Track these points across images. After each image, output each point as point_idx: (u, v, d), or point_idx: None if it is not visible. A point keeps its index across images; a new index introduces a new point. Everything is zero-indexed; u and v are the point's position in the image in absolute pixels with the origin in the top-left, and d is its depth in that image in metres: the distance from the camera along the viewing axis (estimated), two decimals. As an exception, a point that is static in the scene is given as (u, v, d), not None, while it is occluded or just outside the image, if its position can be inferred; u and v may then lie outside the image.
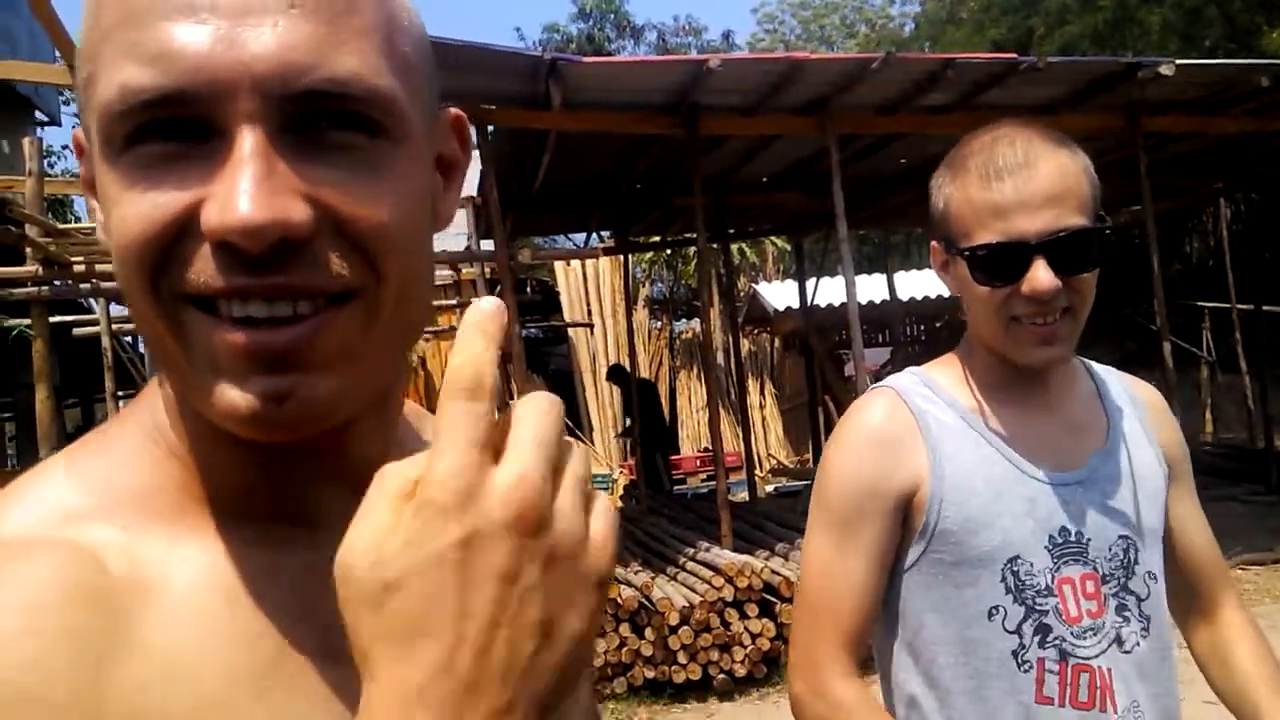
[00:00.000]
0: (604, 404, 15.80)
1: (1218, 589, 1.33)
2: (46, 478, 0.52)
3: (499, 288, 5.77)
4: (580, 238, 11.21)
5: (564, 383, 16.22)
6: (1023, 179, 1.11)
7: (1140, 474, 1.24)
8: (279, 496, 0.54)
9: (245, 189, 0.44)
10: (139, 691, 0.44)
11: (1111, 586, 1.18)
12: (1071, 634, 1.15)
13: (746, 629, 5.20)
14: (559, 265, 15.87)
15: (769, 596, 5.25)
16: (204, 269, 0.45)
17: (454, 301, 10.56)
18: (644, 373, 15.00)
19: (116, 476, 0.51)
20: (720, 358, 15.67)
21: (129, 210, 0.46)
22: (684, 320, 18.53)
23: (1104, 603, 1.17)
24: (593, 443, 15.47)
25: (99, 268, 6.12)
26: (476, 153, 7.03)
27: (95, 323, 7.97)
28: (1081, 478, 1.21)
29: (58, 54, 6.01)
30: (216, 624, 0.48)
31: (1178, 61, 6.14)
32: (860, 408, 1.26)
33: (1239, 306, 11.46)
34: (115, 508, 0.49)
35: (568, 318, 15.87)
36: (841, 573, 1.20)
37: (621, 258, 11.11)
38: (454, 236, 11.70)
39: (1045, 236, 1.11)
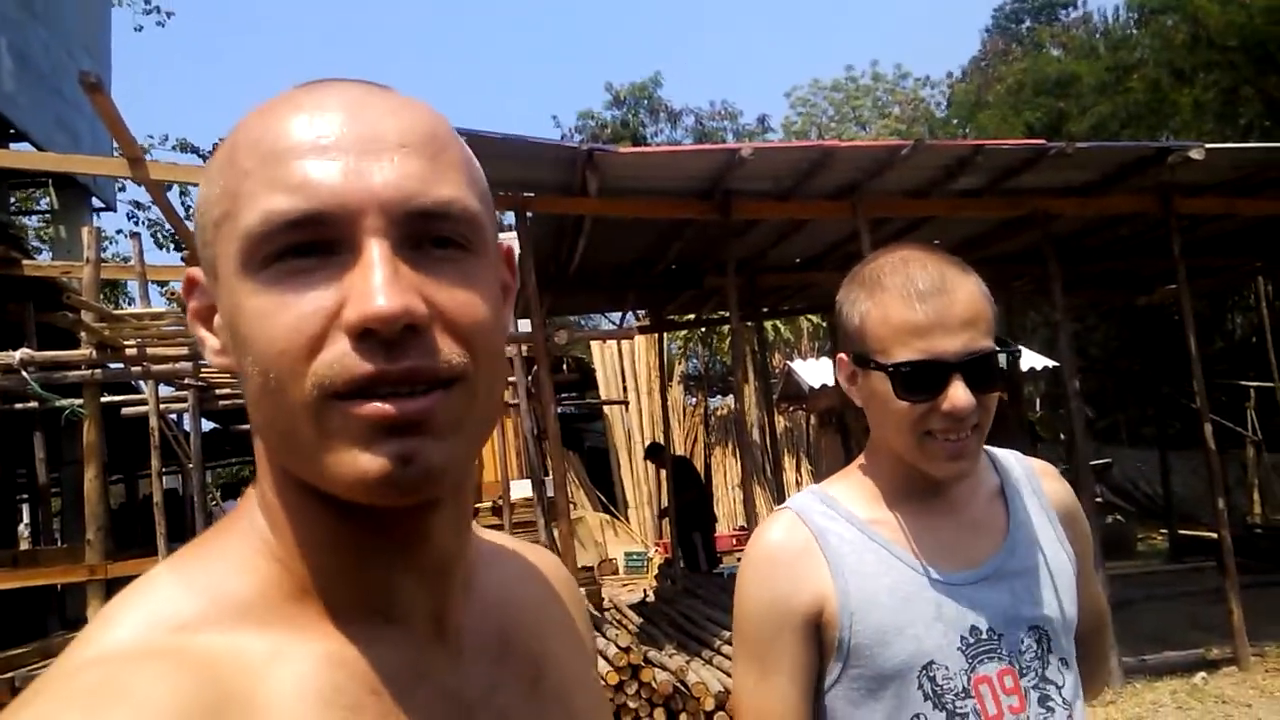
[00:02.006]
0: (639, 481, 15.77)
1: (1091, 678, 1.39)
2: (154, 586, 0.58)
3: (535, 366, 5.86)
4: (616, 316, 11.34)
5: (599, 460, 16.24)
6: (943, 303, 1.16)
7: (1046, 564, 1.26)
8: (371, 590, 0.60)
9: (378, 285, 0.53)
10: None
11: (1030, 679, 1.20)
12: None
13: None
14: (595, 343, 16.03)
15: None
16: (343, 359, 0.53)
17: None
18: (679, 449, 14.98)
19: (224, 583, 0.58)
20: (755, 435, 15.63)
21: (277, 319, 0.54)
22: (719, 397, 18.55)
23: (1025, 696, 1.19)
24: (628, 520, 15.41)
25: (150, 351, 6.32)
26: (514, 235, 7.21)
27: (144, 403, 8.16)
28: (985, 574, 1.23)
29: (115, 146, 6.29)
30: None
31: (1207, 145, 6.19)
32: (760, 532, 1.28)
33: (1283, 385, 11.29)
34: (223, 614, 0.56)
35: (603, 395, 15.96)
36: (767, 704, 1.22)
37: (656, 335, 11.22)
38: (492, 316, 11.89)
39: (963, 356, 1.15)
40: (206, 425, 11.53)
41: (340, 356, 0.53)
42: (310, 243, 0.54)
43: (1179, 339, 7.08)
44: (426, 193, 0.56)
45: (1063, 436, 11.70)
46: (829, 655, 1.20)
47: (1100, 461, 14.14)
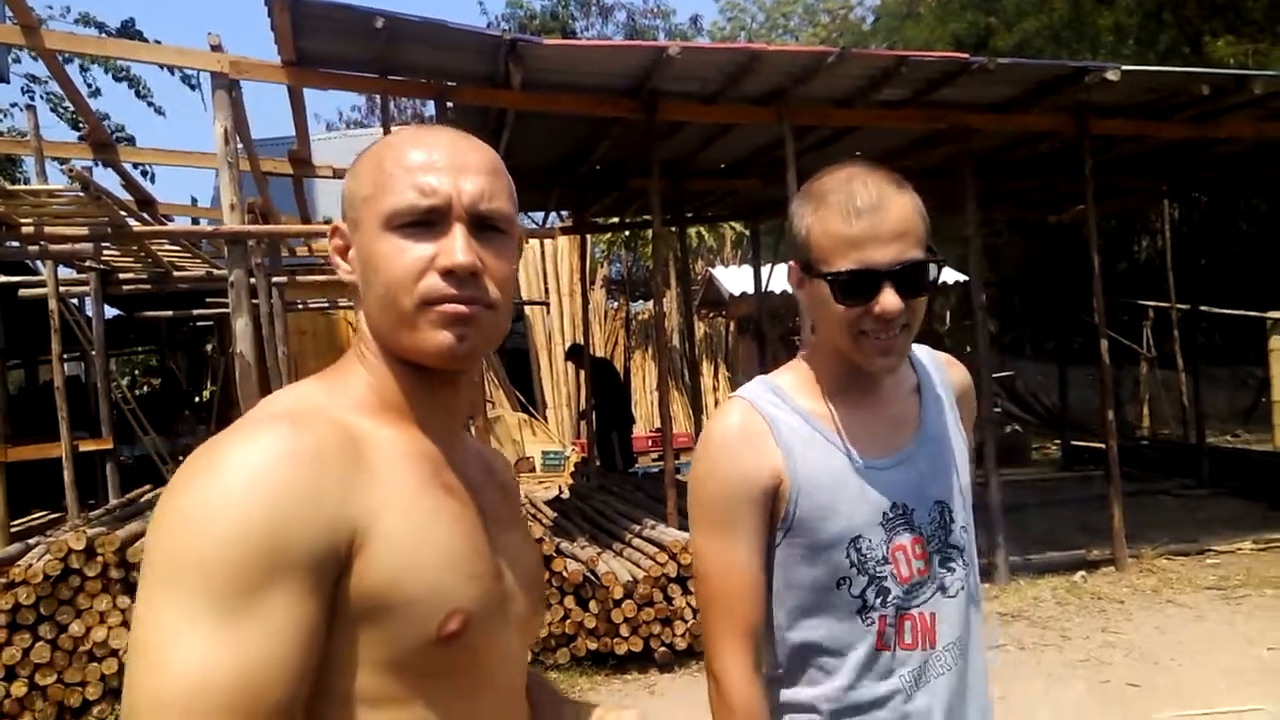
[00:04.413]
0: (558, 382, 15.85)
1: None
2: (304, 387, 1.01)
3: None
4: (539, 215, 11.22)
5: (519, 360, 16.23)
6: (877, 218, 1.31)
7: (948, 449, 1.49)
8: (420, 414, 1.01)
9: (459, 249, 0.95)
10: (376, 497, 0.89)
11: (934, 545, 1.42)
12: (903, 591, 1.39)
13: (688, 604, 5.32)
14: (517, 242, 15.82)
15: (711, 575, 5.36)
16: (436, 285, 0.95)
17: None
18: (599, 352, 15.05)
19: (344, 391, 0.99)
20: (675, 340, 15.77)
21: (400, 259, 0.95)
22: (641, 301, 18.58)
23: (929, 560, 1.41)
24: (546, 419, 15.54)
25: (48, 230, 6.05)
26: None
27: (42, 284, 7.86)
28: (901, 459, 1.44)
29: (9, 13, 5.91)
30: (398, 469, 0.93)
31: (1124, 67, 6.32)
32: (718, 417, 1.45)
33: (1178, 306, 11.78)
34: (344, 406, 0.96)
35: (524, 296, 15.86)
36: (734, 569, 1.39)
37: (579, 237, 11.15)
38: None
39: (893, 266, 1.31)
40: (110, 312, 11.16)
41: (435, 283, 0.94)
42: (424, 221, 0.95)
43: (1086, 257, 7.32)
44: (489, 202, 0.98)
45: (969, 349, 12.08)
46: (775, 524, 1.40)
47: (1004, 374, 14.68)
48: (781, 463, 1.38)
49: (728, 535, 1.38)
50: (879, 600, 1.38)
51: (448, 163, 0.98)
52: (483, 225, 0.98)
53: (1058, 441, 12.64)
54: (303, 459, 0.84)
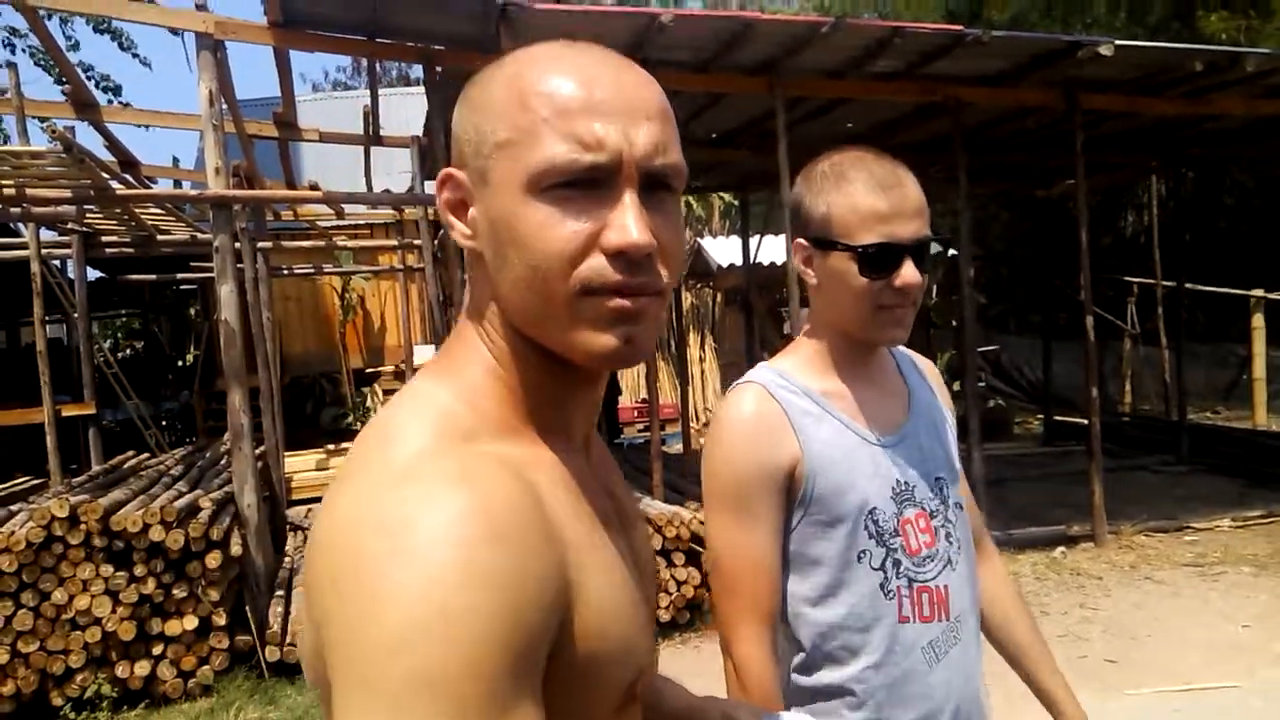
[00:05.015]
0: (544, 351, 15.78)
1: (978, 521, 1.67)
2: (432, 396, 0.79)
3: (441, 230, 5.74)
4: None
5: (505, 328, 16.16)
6: (901, 194, 1.39)
7: (938, 426, 1.56)
8: (561, 420, 0.84)
9: (633, 224, 0.74)
10: (568, 553, 0.72)
11: (938, 520, 1.48)
12: (913, 564, 1.44)
13: (673, 577, 5.34)
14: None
15: (696, 546, 5.40)
16: (603, 270, 0.74)
17: (394, 242, 10.45)
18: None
19: (482, 403, 0.79)
20: (662, 309, 15.68)
21: (554, 231, 0.74)
22: (628, 270, 18.47)
23: (935, 534, 1.47)
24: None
25: (30, 192, 5.96)
26: (422, 91, 6.95)
27: (24, 246, 7.76)
28: (903, 436, 1.50)
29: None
30: (566, 505, 0.76)
31: (1117, 42, 6.29)
32: (734, 403, 1.47)
33: (1163, 283, 11.82)
34: (490, 428, 0.77)
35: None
36: (754, 556, 1.41)
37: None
38: (399, 175, 11.53)
39: (914, 241, 1.39)
40: (93, 274, 11.04)
41: (601, 267, 0.74)
42: (583, 180, 0.74)
43: (1073, 232, 7.32)
44: (664, 156, 0.77)
45: (954, 323, 12.11)
46: (792, 505, 1.44)
47: (990, 348, 14.73)
48: (798, 445, 1.41)
49: (748, 523, 1.41)
50: (895, 572, 1.42)
51: (615, 103, 0.75)
52: (653, 185, 0.77)
53: (1040, 416, 12.71)
54: (508, 527, 0.67)
